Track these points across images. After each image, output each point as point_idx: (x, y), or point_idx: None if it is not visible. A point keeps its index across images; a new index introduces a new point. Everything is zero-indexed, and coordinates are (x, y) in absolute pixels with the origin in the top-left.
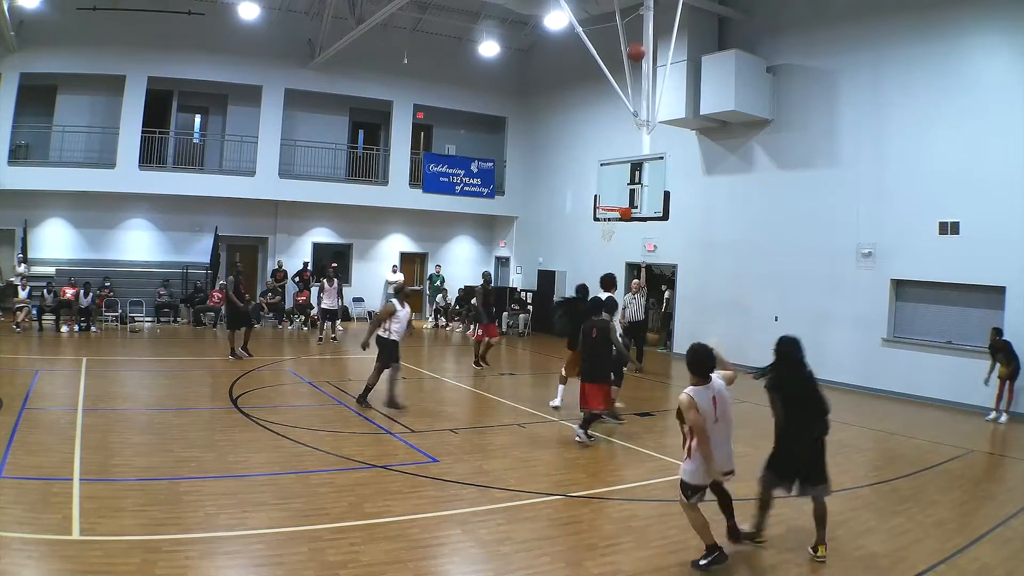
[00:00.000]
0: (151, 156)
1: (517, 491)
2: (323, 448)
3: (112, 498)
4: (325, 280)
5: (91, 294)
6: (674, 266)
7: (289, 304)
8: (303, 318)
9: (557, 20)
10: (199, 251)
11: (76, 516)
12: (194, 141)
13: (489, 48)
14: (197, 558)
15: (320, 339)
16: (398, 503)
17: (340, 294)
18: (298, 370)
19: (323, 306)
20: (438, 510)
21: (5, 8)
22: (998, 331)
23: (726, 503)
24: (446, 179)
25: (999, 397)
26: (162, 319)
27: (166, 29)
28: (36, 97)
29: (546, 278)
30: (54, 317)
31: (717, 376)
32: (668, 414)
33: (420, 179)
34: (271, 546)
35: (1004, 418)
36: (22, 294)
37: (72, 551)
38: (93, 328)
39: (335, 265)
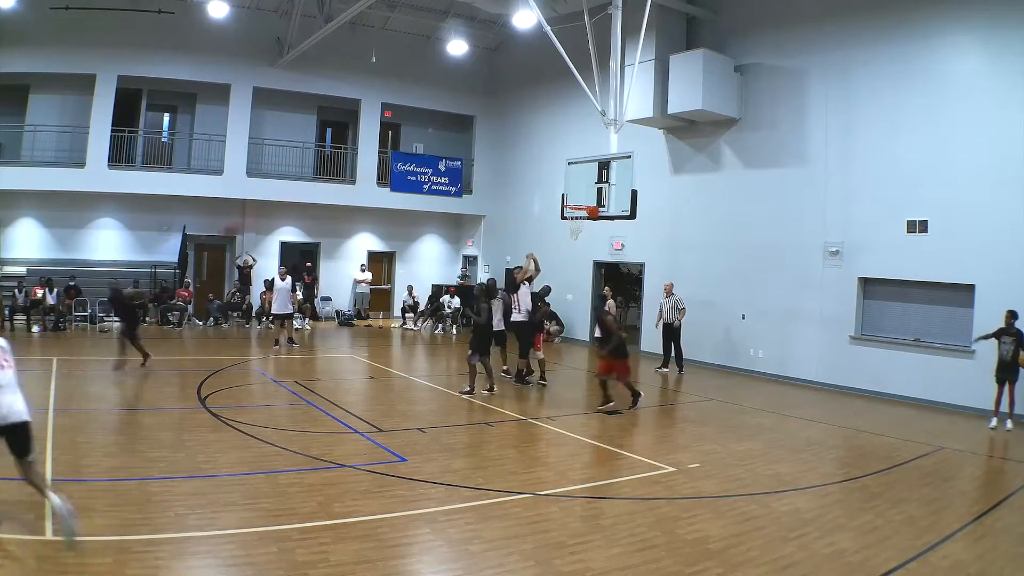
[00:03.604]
0: (120, 155)
1: (485, 490)
2: (292, 448)
3: (83, 498)
4: (276, 278)
5: (55, 292)
6: (641, 264)
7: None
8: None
9: (525, 19)
10: (167, 250)
11: (48, 516)
12: (163, 140)
13: (457, 47)
14: (168, 558)
15: (276, 345)
16: (367, 503)
17: (304, 291)
18: (266, 369)
19: (272, 310)
20: (407, 509)
21: None
22: (1013, 314)
23: None
24: (414, 178)
25: (997, 402)
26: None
27: (136, 28)
28: (8, 96)
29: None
30: (25, 317)
31: None
32: (641, 414)
33: (388, 178)
34: (241, 546)
35: (1009, 424)
36: None
37: (46, 551)
38: (62, 327)
39: (309, 264)
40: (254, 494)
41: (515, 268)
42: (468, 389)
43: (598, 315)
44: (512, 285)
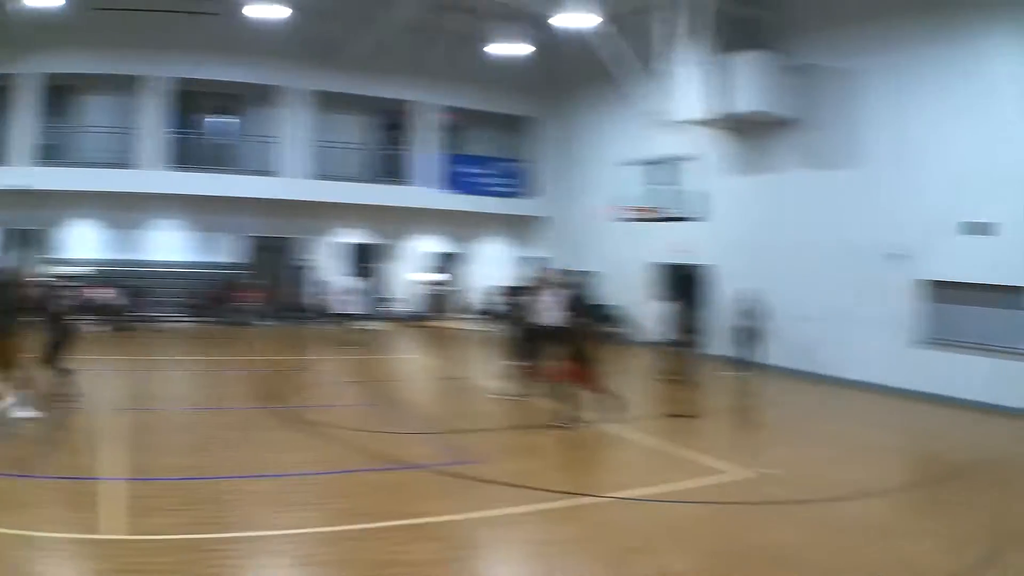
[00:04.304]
0: (178, 157)
1: (556, 492)
2: (364, 448)
3: (152, 497)
4: (341, 278)
5: (120, 293)
6: (701, 266)
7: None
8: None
9: (583, 19)
10: (233, 251)
11: (116, 515)
12: (221, 142)
13: (514, 48)
14: (238, 557)
15: (343, 345)
16: (439, 503)
17: (367, 293)
18: (335, 369)
19: (337, 310)
20: (478, 510)
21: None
22: None
23: None
24: (474, 179)
25: None
26: (197, 319)
27: (191, 29)
28: (60, 98)
29: (580, 279)
30: (88, 317)
31: None
32: (709, 418)
33: (449, 179)
34: (312, 545)
35: None
36: (43, 296)
37: (110, 550)
38: (126, 327)
39: (368, 265)
40: (326, 494)
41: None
42: (518, 394)
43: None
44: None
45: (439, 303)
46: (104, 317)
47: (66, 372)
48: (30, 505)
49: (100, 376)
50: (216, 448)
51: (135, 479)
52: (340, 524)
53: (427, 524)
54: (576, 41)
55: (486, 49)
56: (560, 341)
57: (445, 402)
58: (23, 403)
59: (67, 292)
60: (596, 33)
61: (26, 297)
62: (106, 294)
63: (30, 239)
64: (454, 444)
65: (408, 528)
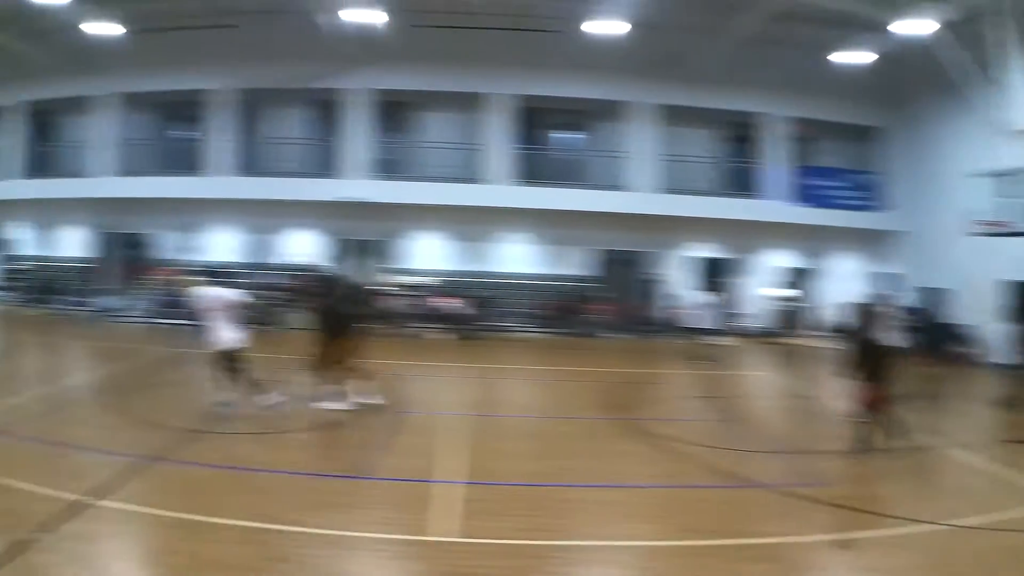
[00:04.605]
0: (525, 172)
1: (896, 517)
2: (708, 463)
3: (492, 501)
4: (689, 292)
5: (467, 303)
6: None
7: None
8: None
9: (921, 26)
10: (583, 264)
11: (451, 517)
12: (569, 157)
13: (857, 56)
14: (575, 565)
15: (692, 359)
16: (777, 524)
17: (718, 308)
18: (683, 383)
19: (686, 324)
20: (814, 533)
21: (340, 23)
22: None
23: None
24: (825, 192)
25: None
26: (545, 330)
27: (526, 47)
28: (395, 113)
29: (930, 296)
30: (434, 326)
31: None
32: None
33: (798, 192)
34: (645, 559)
35: None
36: (394, 304)
37: (442, 552)
38: (472, 337)
39: (718, 279)
40: (669, 507)
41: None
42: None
43: None
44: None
45: (789, 319)
46: (450, 326)
47: (362, 375)
48: (359, 506)
49: (444, 382)
50: (558, 456)
51: (470, 483)
52: (676, 539)
53: (762, 544)
54: (918, 48)
55: (830, 58)
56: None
57: (790, 421)
58: (343, 399)
59: (408, 301)
60: (935, 40)
61: (358, 303)
62: (452, 304)
63: (368, 249)
64: (796, 464)
65: (742, 547)
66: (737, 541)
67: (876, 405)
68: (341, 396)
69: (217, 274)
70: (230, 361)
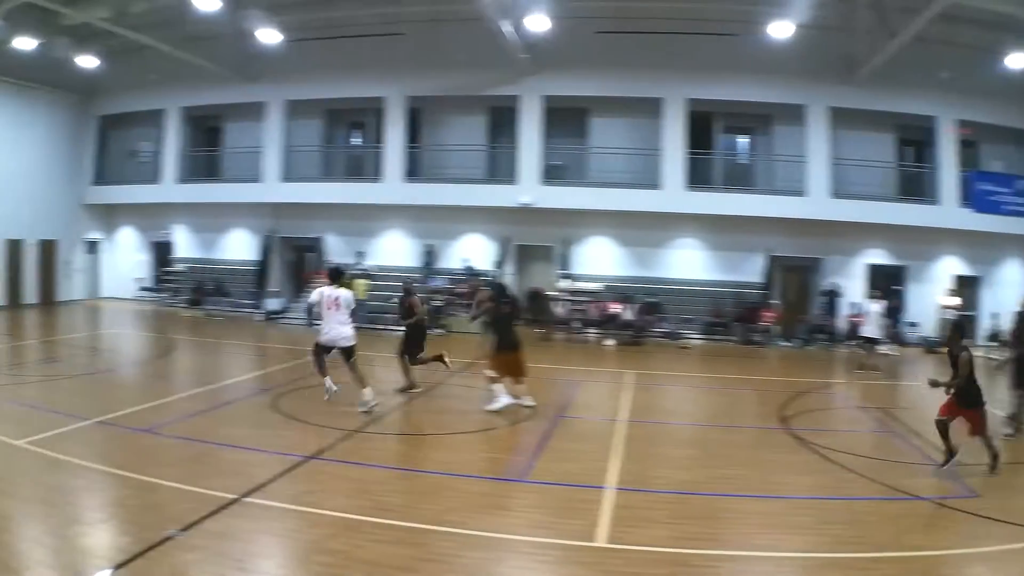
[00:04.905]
0: (696, 177)
1: None
2: (869, 475)
3: (645, 508)
4: (867, 301)
5: (634, 309)
6: None
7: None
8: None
9: None
10: (750, 271)
11: (604, 523)
12: (740, 161)
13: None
14: (722, 575)
15: (859, 369)
16: (932, 537)
17: (886, 316)
18: (849, 393)
19: (859, 333)
20: (967, 547)
21: (512, 30)
22: None
23: None
24: (996, 198)
25: None
26: (712, 337)
27: (698, 51)
28: (567, 119)
29: None
30: (599, 331)
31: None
32: None
33: (973, 198)
34: (802, 571)
35: None
36: (559, 310)
37: (594, 558)
38: (639, 342)
39: (887, 287)
40: (826, 519)
41: None
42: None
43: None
44: None
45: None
46: (617, 331)
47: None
48: (516, 509)
49: (608, 387)
50: (718, 465)
51: (626, 489)
52: (832, 551)
53: (917, 557)
54: None
55: (998, 60)
56: None
57: (960, 433)
58: (500, 400)
59: (577, 306)
60: None
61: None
62: (620, 309)
63: (539, 255)
64: (959, 477)
65: (897, 560)
66: (893, 554)
67: None
68: (499, 397)
69: (374, 276)
70: (347, 357)
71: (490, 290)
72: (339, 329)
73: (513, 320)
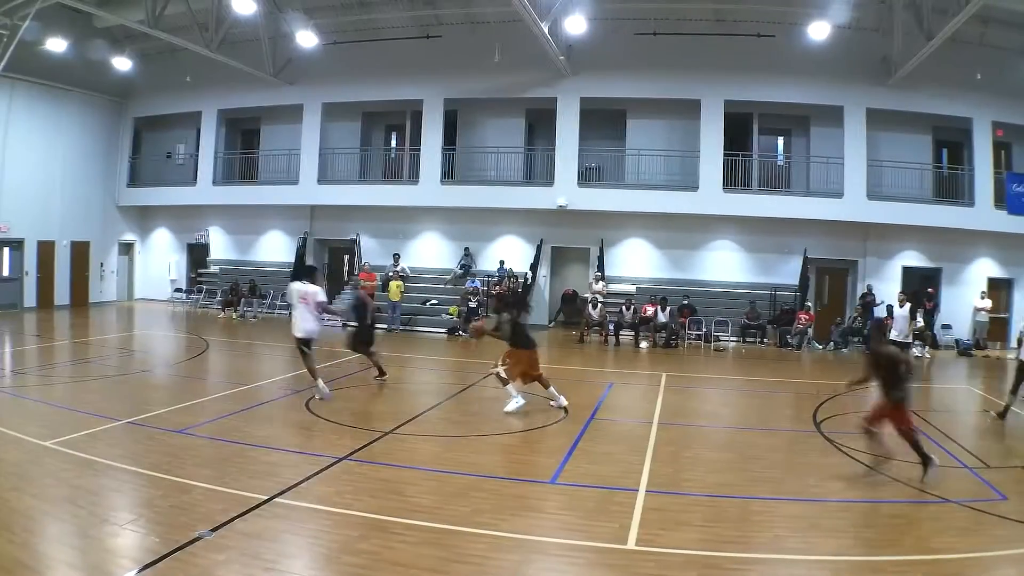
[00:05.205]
0: (733, 179)
1: None
2: (901, 478)
3: (676, 511)
4: (901, 303)
5: (669, 311)
6: None
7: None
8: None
9: None
10: (787, 273)
11: (635, 526)
12: (778, 163)
13: None
14: None
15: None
16: (962, 540)
17: (921, 319)
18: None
19: (894, 336)
20: (997, 549)
21: (547, 32)
22: None
23: None
24: None
25: None
26: (747, 340)
27: (736, 52)
28: (604, 121)
29: None
30: (633, 333)
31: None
32: None
33: (1005, 199)
34: (832, 574)
35: None
36: (592, 312)
37: (625, 560)
38: (674, 345)
39: (922, 289)
40: (858, 522)
41: None
42: None
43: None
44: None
45: (996, 331)
46: (651, 334)
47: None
48: (546, 511)
49: (642, 389)
50: (751, 468)
51: (658, 492)
52: (863, 554)
53: (947, 561)
54: None
55: None
56: None
57: (987, 435)
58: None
59: (612, 308)
60: None
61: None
62: (655, 311)
63: (574, 257)
64: (989, 478)
65: (927, 564)
66: (919, 557)
67: None
68: (514, 398)
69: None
70: (307, 347)
71: (511, 292)
72: (307, 323)
73: (520, 319)
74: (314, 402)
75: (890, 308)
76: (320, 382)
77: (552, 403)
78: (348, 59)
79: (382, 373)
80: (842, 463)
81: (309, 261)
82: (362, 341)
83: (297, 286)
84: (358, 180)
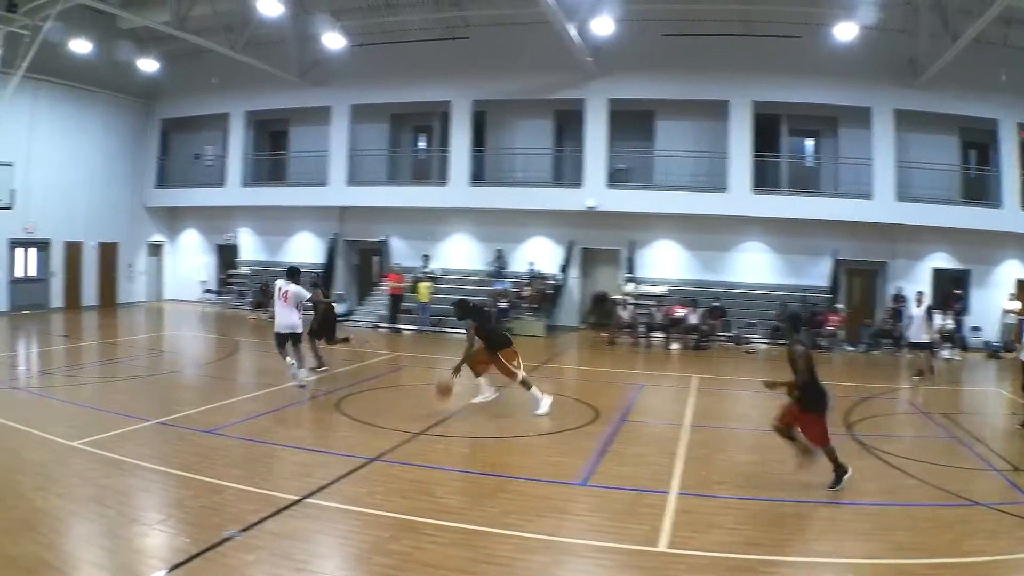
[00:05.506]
0: (763, 180)
1: None
2: (930, 481)
3: (708, 514)
4: (930, 305)
5: (699, 313)
6: None
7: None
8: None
9: None
10: (816, 274)
11: (665, 529)
12: (806, 164)
13: None
14: None
15: (917, 376)
16: (993, 543)
17: (952, 321)
18: (912, 399)
19: (923, 338)
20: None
21: (578, 33)
22: None
23: None
24: None
25: None
26: (777, 341)
27: (764, 53)
28: (632, 122)
29: None
30: (664, 335)
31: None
32: None
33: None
34: None
35: None
36: (623, 313)
37: (655, 563)
38: (705, 347)
39: (952, 291)
40: (887, 525)
41: None
42: None
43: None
44: None
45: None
46: (682, 336)
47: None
48: (575, 513)
49: (671, 391)
50: (783, 470)
51: (686, 494)
52: (893, 557)
53: (976, 564)
54: None
55: None
56: None
57: (1019, 439)
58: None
59: (641, 310)
60: None
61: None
62: (685, 313)
63: (603, 259)
64: (1020, 482)
65: (956, 566)
66: (949, 560)
67: None
68: (539, 400)
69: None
70: (295, 343)
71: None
72: (288, 319)
73: (490, 323)
74: (345, 403)
75: (921, 309)
76: (303, 371)
77: (478, 398)
78: (375, 61)
79: (320, 365)
80: (874, 466)
81: (338, 263)
82: (313, 331)
83: (280, 283)
84: (387, 182)
